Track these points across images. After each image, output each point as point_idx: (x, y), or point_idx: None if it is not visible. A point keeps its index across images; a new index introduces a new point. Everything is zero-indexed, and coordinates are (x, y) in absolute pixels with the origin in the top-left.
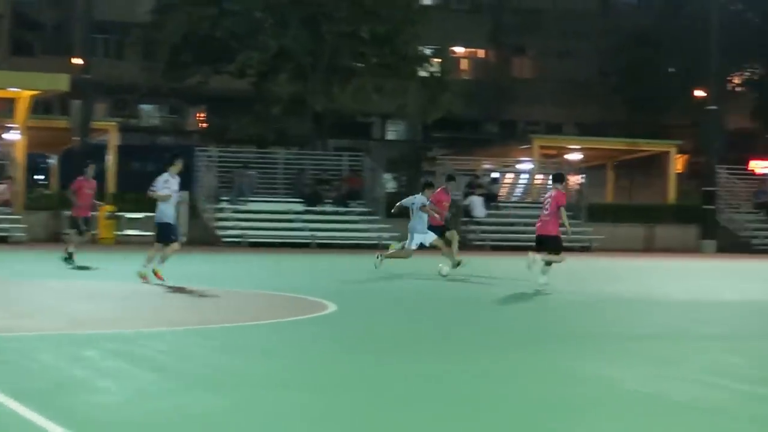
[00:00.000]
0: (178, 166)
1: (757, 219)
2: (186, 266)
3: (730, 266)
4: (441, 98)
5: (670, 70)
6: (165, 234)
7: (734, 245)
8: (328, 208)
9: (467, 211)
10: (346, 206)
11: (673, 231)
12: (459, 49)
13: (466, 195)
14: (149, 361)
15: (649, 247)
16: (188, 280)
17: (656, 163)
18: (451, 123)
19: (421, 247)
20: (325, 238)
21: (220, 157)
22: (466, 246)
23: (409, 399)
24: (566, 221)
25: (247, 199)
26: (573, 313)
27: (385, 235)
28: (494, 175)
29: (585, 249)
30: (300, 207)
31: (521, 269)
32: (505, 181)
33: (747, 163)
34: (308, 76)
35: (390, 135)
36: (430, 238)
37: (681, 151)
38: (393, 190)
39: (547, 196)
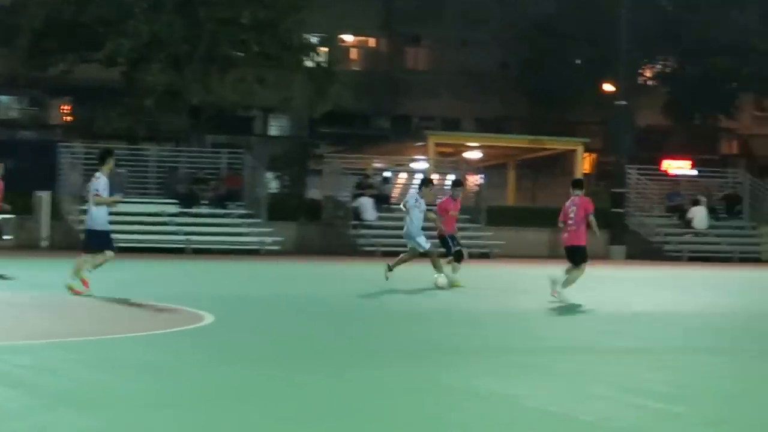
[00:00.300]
0: (110, 165)
1: (670, 223)
2: (49, 273)
3: (641, 274)
4: (328, 91)
5: (576, 61)
6: (97, 242)
7: (645, 251)
8: (205, 210)
9: (356, 214)
10: (225, 208)
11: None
12: (348, 38)
13: (355, 196)
14: (7, 376)
15: (554, 254)
16: (52, 288)
17: (562, 163)
18: (340, 118)
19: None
20: (201, 243)
21: (85, 153)
22: (355, 252)
23: (289, 415)
24: (596, 228)
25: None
26: (472, 326)
27: (268, 239)
28: (386, 174)
29: (484, 256)
30: (174, 208)
31: (416, 277)
32: (398, 181)
33: (659, 163)
34: (184, 65)
35: (273, 130)
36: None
37: (588, 150)
38: (276, 191)
39: (569, 204)
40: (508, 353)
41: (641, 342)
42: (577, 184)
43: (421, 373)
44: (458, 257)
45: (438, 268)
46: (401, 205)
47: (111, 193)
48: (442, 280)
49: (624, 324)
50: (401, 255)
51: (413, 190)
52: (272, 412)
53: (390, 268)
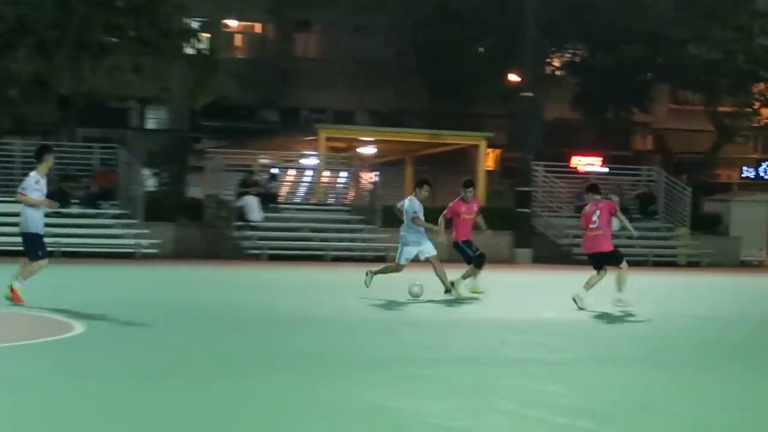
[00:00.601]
0: (48, 162)
1: (579, 225)
2: None
3: (548, 279)
4: (211, 80)
5: (479, 50)
6: (33, 247)
7: (553, 255)
8: (75, 209)
9: (241, 214)
10: (97, 208)
11: (482, 238)
12: (232, 23)
13: (240, 195)
14: None
15: (453, 257)
16: None
17: (463, 159)
18: (223, 110)
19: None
20: (71, 246)
21: None
22: (239, 255)
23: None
24: (627, 223)
25: None
26: (365, 334)
27: (144, 242)
28: (273, 171)
29: (380, 259)
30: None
31: (304, 281)
32: (287, 178)
33: (568, 159)
34: (53, 52)
35: (150, 123)
36: (427, 250)
37: (492, 145)
38: (153, 189)
39: (591, 208)
40: (404, 364)
41: (547, 352)
42: (593, 188)
43: (305, 385)
44: (479, 262)
45: (386, 271)
46: (397, 207)
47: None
48: (416, 289)
49: (529, 333)
50: (436, 271)
51: (409, 199)
52: (133, 430)
53: (447, 289)
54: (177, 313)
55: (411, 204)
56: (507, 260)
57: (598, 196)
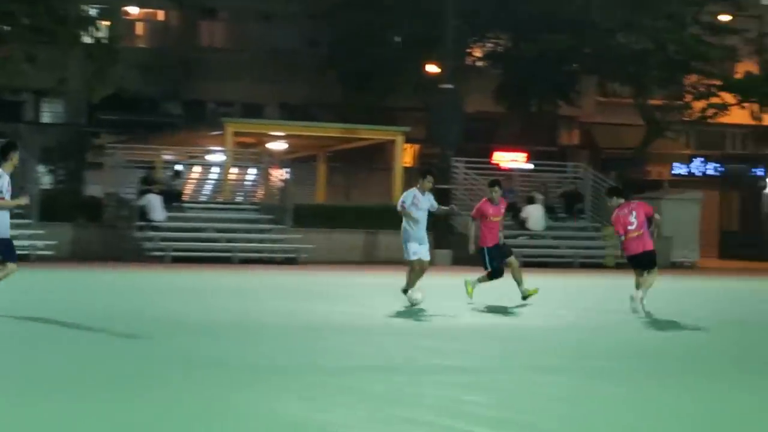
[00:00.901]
0: (13, 161)
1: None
2: None
3: None
4: (110, 71)
5: (396, 39)
6: (5, 252)
7: (474, 256)
8: None
9: (143, 213)
10: None
11: (400, 239)
12: (133, 10)
13: (142, 193)
14: None
15: (370, 259)
16: None
17: (380, 155)
18: (124, 103)
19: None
20: None
21: None
22: (141, 257)
23: None
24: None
25: None
26: (275, 341)
27: (39, 243)
28: (177, 167)
29: (290, 261)
30: None
31: (208, 284)
32: (191, 175)
33: (490, 155)
34: None
35: (46, 117)
36: (420, 251)
37: (410, 140)
38: (49, 187)
39: (624, 211)
40: (313, 372)
41: (467, 360)
42: (618, 191)
43: (208, 395)
44: (494, 275)
45: (410, 283)
46: (398, 207)
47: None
48: (416, 295)
49: (447, 339)
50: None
51: (413, 189)
52: None
53: (405, 290)
54: (72, 320)
55: (405, 195)
56: None
57: (622, 200)
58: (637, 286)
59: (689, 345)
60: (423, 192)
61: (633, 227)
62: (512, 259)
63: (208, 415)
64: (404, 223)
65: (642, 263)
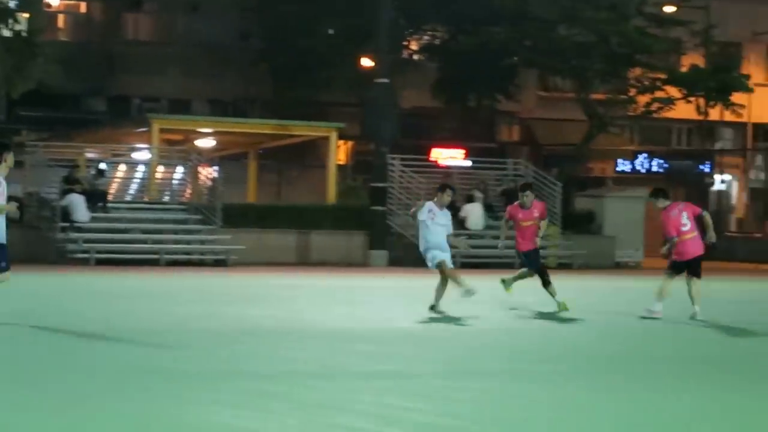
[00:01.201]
0: (8, 163)
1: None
2: None
3: (406, 284)
4: (30, 66)
5: (329, 32)
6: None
7: (411, 257)
8: None
9: (66, 214)
10: None
11: (334, 239)
12: (54, 2)
13: (64, 193)
14: None
15: (303, 260)
16: None
17: (313, 152)
18: (45, 98)
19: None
20: None
21: None
22: (64, 259)
23: None
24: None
25: None
26: (201, 348)
27: None
28: (101, 166)
29: (220, 263)
30: None
31: (135, 288)
32: (116, 174)
33: (428, 152)
34: None
35: None
36: (442, 256)
37: (345, 137)
38: None
39: (673, 213)
40: (246, 379)
41: (403, 365)
42: (665, 193)
43: (134, 404)
44: (546, 281)
45: (456, 282)
46: (409, 214)
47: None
48: (463, 289)
49: (384, 344)
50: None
51: (428, 203)
52: None
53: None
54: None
55: (422, 207)
56: (361, 263)
57: (668, 201)
58: (696, 299)
59: (624, 347)
60: (441, 207)
61: (687, 228)
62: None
63: (132, 425)
64: (421, 233)
65: (692, 268)
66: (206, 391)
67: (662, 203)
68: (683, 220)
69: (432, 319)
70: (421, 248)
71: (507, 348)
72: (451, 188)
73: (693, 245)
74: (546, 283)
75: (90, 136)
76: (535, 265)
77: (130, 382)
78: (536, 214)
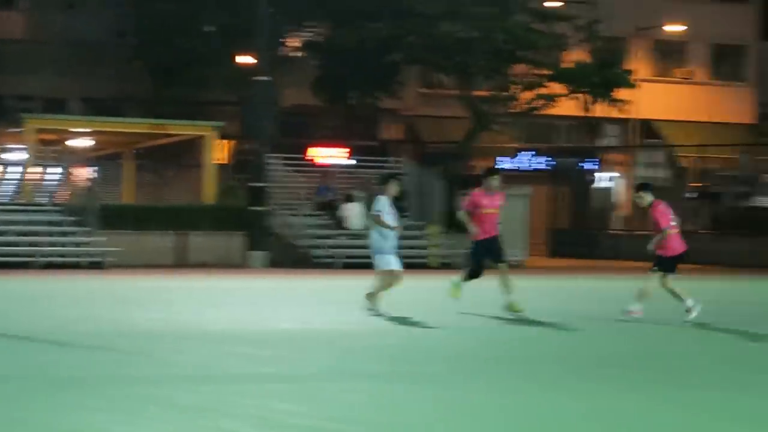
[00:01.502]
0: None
1: (319, 224)
2: None
3: (286, 285)
4: None
5: (207, 29)
6: None
7: (292, 258)
8: None
9: None
10: None
11: (213, 240)
12: None
13: None
14: None
15: (181, 262)
16: None
17: (191, 152)
18: None
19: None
20: None
21: None
22: None
23: None
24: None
25: None
26: (74, 351)
27: None
28: None
29: (96, 265)
30: None
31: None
32: None
33: (308, 151)
34: None
35: None
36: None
37: (225, 136)
38: None
39: (664, 208)
40: (121, 383)
41: (284, 368)
42: (648, 187)
43: (3, 410)
44: (471, 276)
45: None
46: (373, 214)
47: None
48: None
49: (263, 346)
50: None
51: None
52: None
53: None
54: None
55: (376, 202)
56: (240, 264)
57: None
58: (691, 298)
59: (509, 346)
60: (390, 198)
61: (674, 223)
62: (502, 265)
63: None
64: (374, 234)
65: (680, 263)
66: (82, 395)
67: (649, 198)
68: (671, 214)
69: (311, 321)
70: (375, 249)
71: (388, 349)
72: (396, 179)
73: (679, 241)
74: (470, 278)
75: None
76: (481, 257)
77: (4, 387)
78: (500, 201)
